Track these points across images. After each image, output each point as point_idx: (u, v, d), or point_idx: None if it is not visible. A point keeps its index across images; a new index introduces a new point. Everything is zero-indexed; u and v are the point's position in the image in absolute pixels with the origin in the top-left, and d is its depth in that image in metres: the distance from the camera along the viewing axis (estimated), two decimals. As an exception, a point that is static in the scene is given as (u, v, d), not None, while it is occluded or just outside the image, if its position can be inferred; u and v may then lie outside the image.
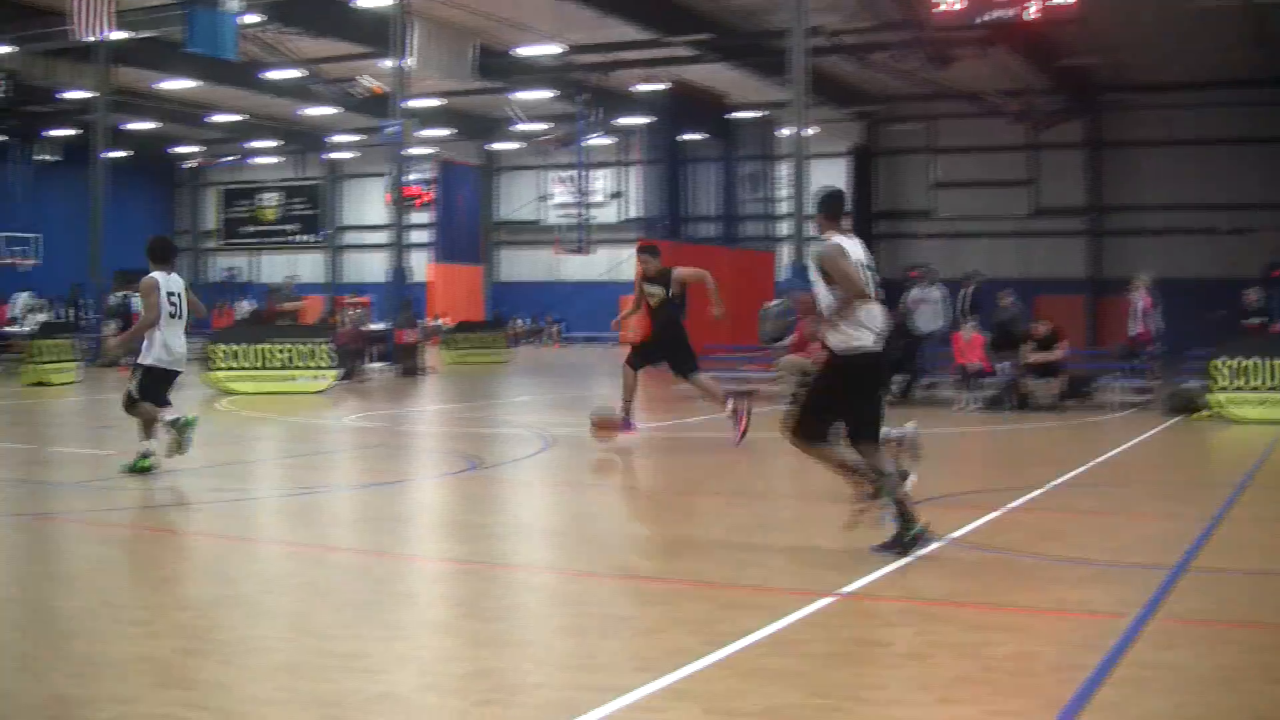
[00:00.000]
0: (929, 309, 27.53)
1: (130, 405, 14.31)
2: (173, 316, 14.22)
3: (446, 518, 12.61)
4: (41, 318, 38.74)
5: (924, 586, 9.06)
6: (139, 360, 14.24)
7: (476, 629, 7.96)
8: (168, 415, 14.12)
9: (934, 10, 32.58)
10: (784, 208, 41.51)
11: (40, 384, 28.78)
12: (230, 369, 27.61)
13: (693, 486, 14.66)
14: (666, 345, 18.13)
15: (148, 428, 14.28)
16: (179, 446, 13.94)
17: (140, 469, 14.06)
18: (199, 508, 12.78)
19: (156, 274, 14.14)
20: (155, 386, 14.29)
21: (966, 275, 28.55)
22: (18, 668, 7.06)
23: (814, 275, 10.15)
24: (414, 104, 44.05)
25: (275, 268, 69.80)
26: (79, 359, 31.76)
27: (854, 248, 10.08)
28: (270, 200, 72.77)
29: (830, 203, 10.40)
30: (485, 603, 8.70)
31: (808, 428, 10.28)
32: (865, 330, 9.95)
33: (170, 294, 14.18)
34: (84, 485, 14.03)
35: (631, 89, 49.16)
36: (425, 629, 8.03)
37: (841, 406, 10.20)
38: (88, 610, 8.37)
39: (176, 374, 14.56)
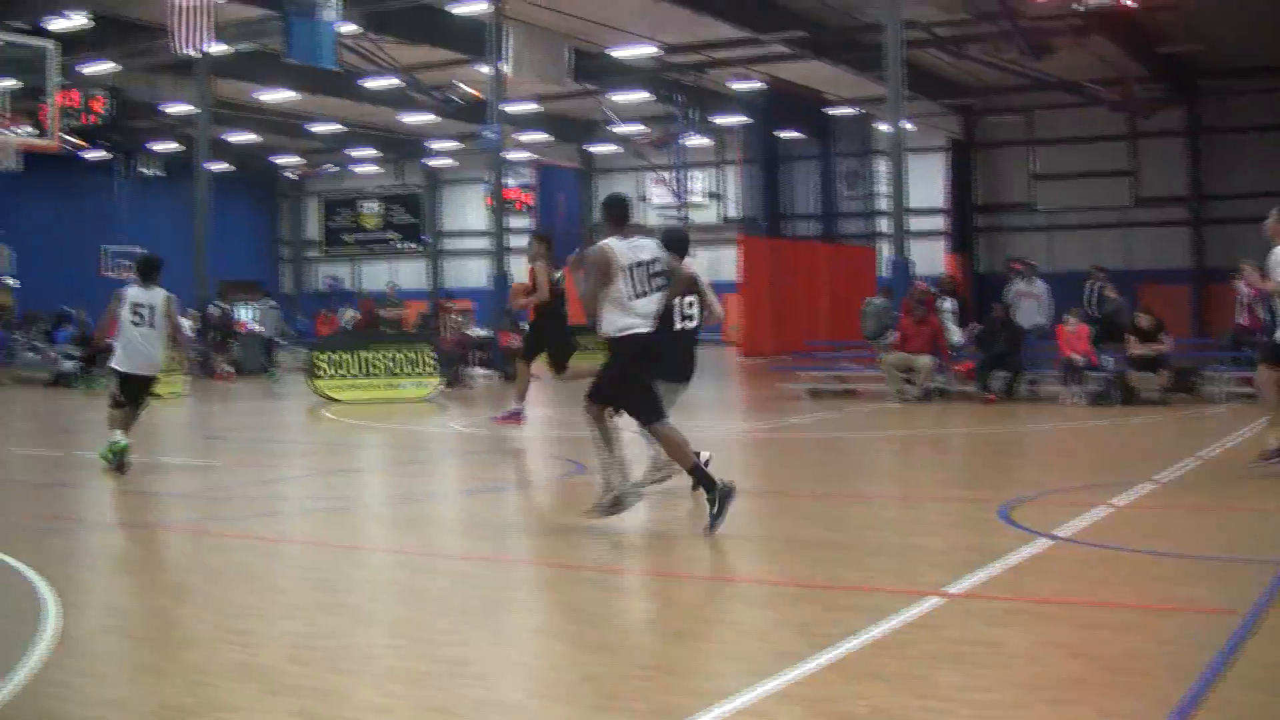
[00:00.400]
0: (1031, 303, 27.34)
1: (111, 404, 15.73)
2: (135, 325, 15.43)
3: (551, 522, 12.64)
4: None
5: (1032, 585, 8.99)
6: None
7: (583, 634, 7.96)
8: (115, 435, 15.41)
9: (1030, -1, 32.36)
10: (883, 204, 41.29)
11: (151, 395, 29.09)
12: (334, 377, 27.82)
13: (795, 486, 14.61)
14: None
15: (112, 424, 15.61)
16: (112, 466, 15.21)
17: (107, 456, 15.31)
18: (306, 515, 12.88)
19: (129, 289, 15.71)
20: (124, 390, 15.58)
21: (1088, 271, 28.24)
22: (130, 678, 7.16)
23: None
24: (511, 108, 44.27)
25: (377, 275, 70.24)
26: (185, 370, 32.07)
27: (625, 250, 11.28)
28: (371, 208, 73.20)
29: (611, 207, 11.95)
30: (592, 608, 8.71)
31: (604, 395, 11.57)
32: (636, 317, 11.19)
33: (137, 305, 15.45)
34: (191, 495, 14.20)
35: (727, 87, 49.12)
36: (532, 634, 8.06)
37: (629, 385, 11.41)
38: (197, 619, 8.46)
39: (143, 378, 15.75)
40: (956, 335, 26.31)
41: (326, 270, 75.15)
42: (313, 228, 76.07)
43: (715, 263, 60.39)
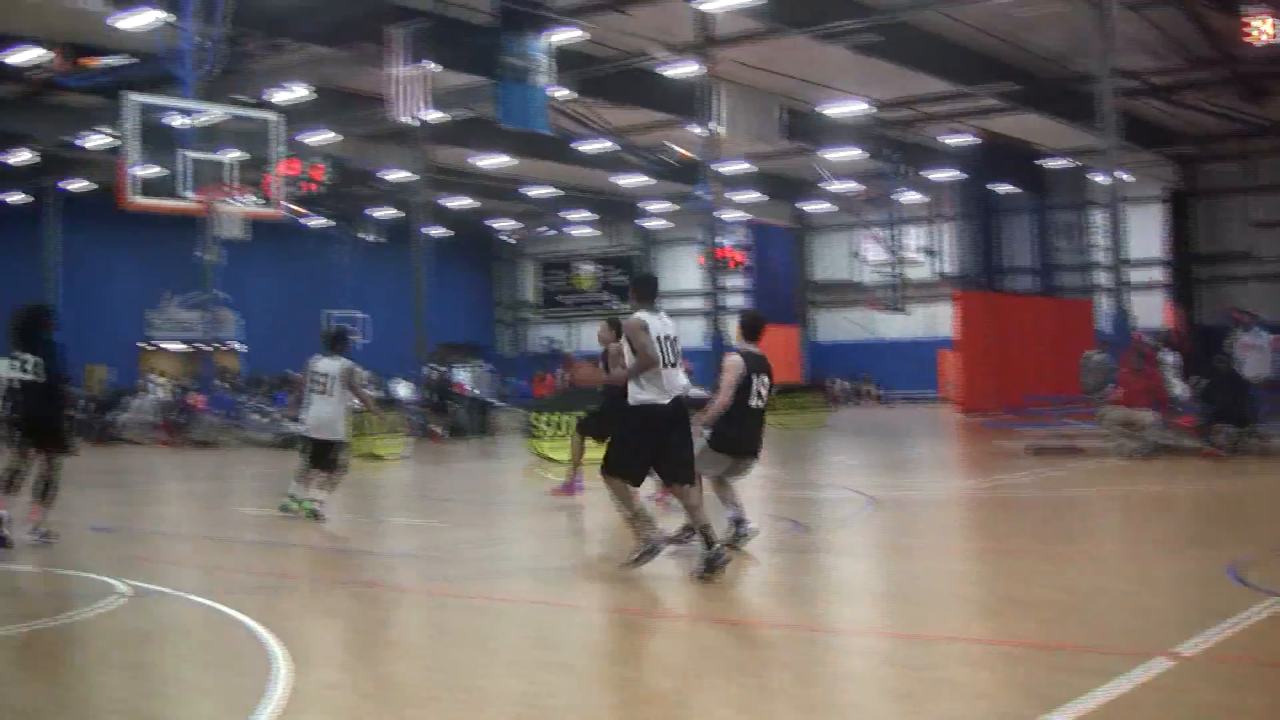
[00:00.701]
0: (1256, 355, 26.72)
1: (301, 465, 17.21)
2: (316, 393, 16.78)
3: (772, 582, 12.60)
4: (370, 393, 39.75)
5: (1267, 646, 8.75)
6: None
7: (810, 694, 7.92)
8: (307, 493, 16.97)
9: (1244, 41, 31.68)
10: (1100, 256, 40.68)
11: (371, 456, 29.59)
12: (552, 438, 28.03)
13: (1017, 544, 14.40)
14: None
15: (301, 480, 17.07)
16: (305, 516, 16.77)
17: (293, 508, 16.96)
18: (527, 575, 12.98)
19: (315, 358, 17.12)
20: (311, 453, 16.98)
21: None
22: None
23: (623, 342, 12.45)
24: (723, 168, 44.48)
25: (593, 336, 70.82)
26: (406, 432, 32.57)
27: (656, 323, 12.13)
28: (586, 269, 73.99)
29: (641, 284, 12.70)
30: (812, 668, 8.67)
31: (613, 465, 12.24)
32: (660, 390, 11.99)
33: (317, 374, 16.77)
34: (414, 555, 14.40)
35: (940, 142, 48.87)
36: (754, 693, 8.01)
37: (646, 452, 12.15)
38: (422, 677, 8.57)
39: (323, 442, 16.84)
40: (1179, 389, 25.76)
41: (543, 332, 75.98)
42: (529, 290, 77.05)
43: (930, 319, 60.13)
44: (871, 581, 12.40)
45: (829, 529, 15.88)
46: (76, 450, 15.82)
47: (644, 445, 12.15)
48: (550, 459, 27.39)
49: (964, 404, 42.54)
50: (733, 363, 13.23)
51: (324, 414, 16.81)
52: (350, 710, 7.79)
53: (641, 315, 12.20)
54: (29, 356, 14.81)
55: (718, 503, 13.59)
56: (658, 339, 12.02)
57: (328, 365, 16.85)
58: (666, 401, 12.02)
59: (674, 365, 12.17)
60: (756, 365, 13.23)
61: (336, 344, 17.08)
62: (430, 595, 11.88)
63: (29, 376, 14.78)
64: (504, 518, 19.06)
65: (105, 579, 12.30)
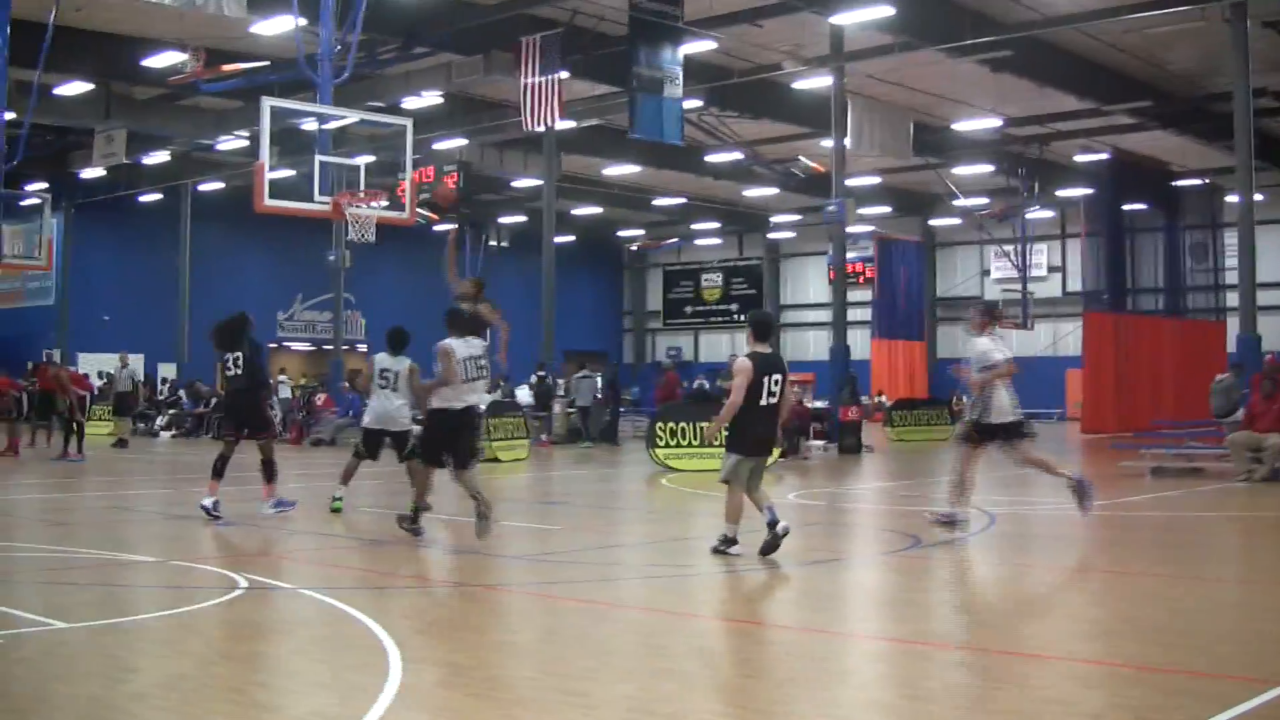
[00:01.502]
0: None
1: (353, 454, 18.61)
2: (381, 388, 17.70)
3: (886, 595, 12.58)
4: (490, 397, 39.97)
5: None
6: None
7: (917, 710, 7.91)
8: (338, 490, 18.32)
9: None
10: (1232, 277, 40.18)
11: (493, 460, 29.80)
12: (672, 446, 28.14)
13: (1134, 566, 14.26)
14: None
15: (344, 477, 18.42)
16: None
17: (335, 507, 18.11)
18: (639, 582, 13.04)
19: (378, 355, 18.39)
20: (365, 443, 18.18)
21: None
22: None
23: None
24: (852, 182, 44.38)
25: (717, 347, 70.92)
26: (530, 436, 32.75)
27: (462, 347, 15.18)
28: (712, 280, 74.04)
29: (454, 317, 16.01)
30: (925, 682, 8.65)
31: (426, 457, 15.64)
32: (454, 398, 15.04)
33: (384, 370, 17.66)
34: (530, 558, 14.51)
35: (1071, 159, 48.49)
36: (864, 708, 8.02)
37: (441, 444, 15.19)
38: (533, 679, 8.65)
39: (380, 432, 17.90)
40: (1310, 414, 25.36)
41: (667, 341, 76.10)
42: (654, 299, 77.19)
43: (1056, 336, 59.63)
44: (984, 598, 12.36)
45: (945, 544, 15.83)
46: (276, 432, 19.22)
47: (438, 439, 15.23)
48: (671, 467, 27.52)
49: (1088, 423, 42.14)
50: (742, 365, 13.74)
51: (387, 408, 17.69)
52: (459, 709, 7.88)
53: (449, 342, 15.19)
54: (235, 355, 17.69)
55: (752, 508, 13.72)
56: (463, 360, 15.07)
57: (392, 362, 17.67)
58: (459, 407, 15.05)
59: (476, 379, 15.28)
60: (766, 365, 13.72)
61: (402, 344, 17.85)
62: (544, 599, 11.98)
63: (234, 372, 17.74)
64: (621, 524, 19.15)
65: (224, 571, 12.53)
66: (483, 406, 16.49)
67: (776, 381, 13.73)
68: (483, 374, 15.46)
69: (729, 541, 13.77)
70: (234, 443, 17.79)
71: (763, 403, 13.63)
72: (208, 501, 17.10)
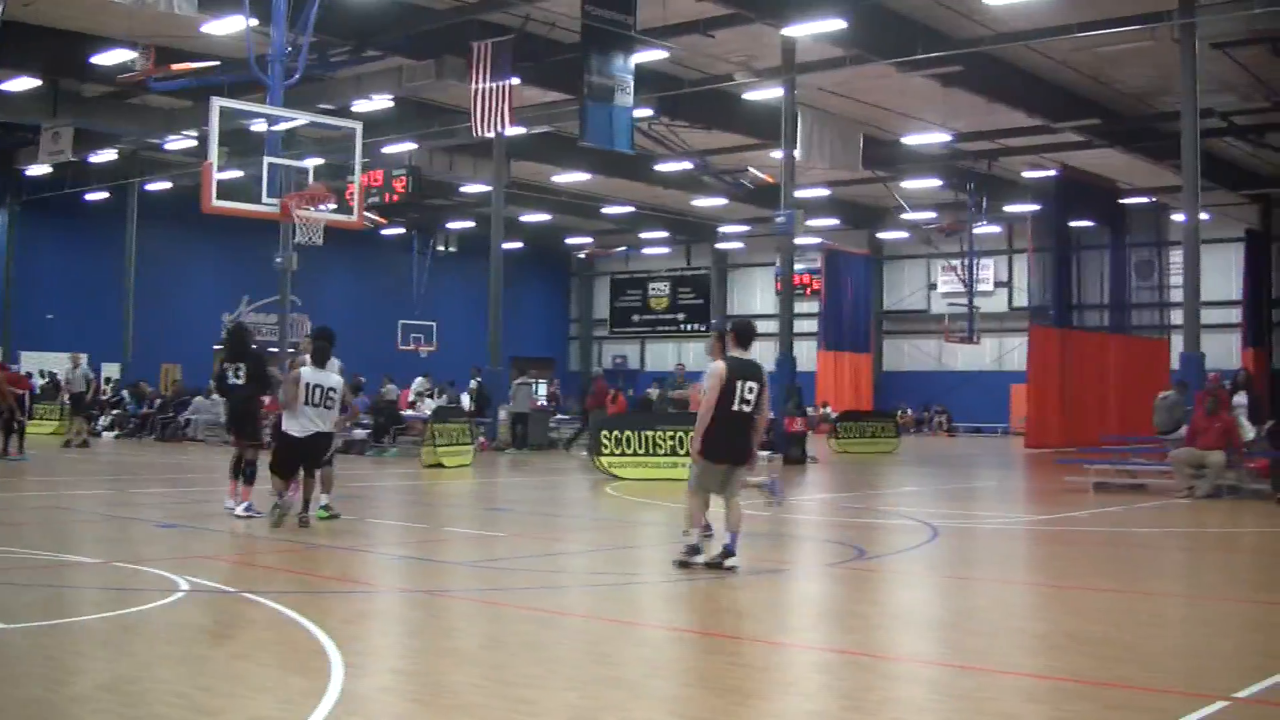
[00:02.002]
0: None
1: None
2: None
3: (830, 607, 12.61)
4: (434, 403, 39.98)
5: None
6: None
7: (856, 720, 7.95)
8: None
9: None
10: (1176, 295, 40.40)
11: (437, 465, 29.73)
12: (616, 454, 28.12)
13: (1077, 580, 14.32)
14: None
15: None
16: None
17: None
18: (585, 590, 13.03)
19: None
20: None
21: None
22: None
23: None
24: (802, 193, 44.48)
25: (663, 356, 71.04)
26: (473, 442, 32.70)
27: (310, 374, 16.66)
28: (659, 289, 74.10)
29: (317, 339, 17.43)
30: (869, 694, 8.65)
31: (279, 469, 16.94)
32: (299, 424, 16.68)
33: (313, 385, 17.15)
34: (475, 564, 14.49)
35: (1019, 175, 48.75)
36: (804, 717, 8.05)
37: (292, 462, 16.84)
38: (476, 685, 8.62)
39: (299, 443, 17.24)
40: (1250, 432, 25.54)
41: (614, 349, 76.13)
42: (602, 307, 77.24)
43: (1001, 351, 60.00)
44: (929, 610, 12.38)
45: (890, 556, 15.87)
46: (264, 441, 18.99)
47: (289, 458, 16.79)
48: (615, 475, 27.52)
49: (1032, 438, 42.34)
50: (715, 369, 13.55)
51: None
52: (402, 714, 7.88)
53: (303, 370, 16.67)
54: (237, 365, 18.53)
55: (714, 523, 13.80)
56: (306, 385, 16.55)
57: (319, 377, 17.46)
58: (300, 435, 16.68)
59: (319, 406, 16.66)
60: (741, 370, 13.53)
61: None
62: (489, 605, 11.96)
63: (238, 381, 18.46)
64: (565, 531, 19.12)
65: (166, 574, 12.47)
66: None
67: (751, 389, 13.50)
68: (326, 402, 16.77)
69: (693, 550, 13.67)
70: (248, 446, 18.40)
71: (734, 408, 13.41)
72: (237, 506, 17.94)
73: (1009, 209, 53.66)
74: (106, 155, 48.52)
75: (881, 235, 65.08)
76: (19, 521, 18.46)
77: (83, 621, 10.51)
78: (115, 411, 45.21)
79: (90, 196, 55.29)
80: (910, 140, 44.06)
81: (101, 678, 8.58)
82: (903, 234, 63.35)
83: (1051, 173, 45.74)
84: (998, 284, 63.44)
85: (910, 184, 51.68)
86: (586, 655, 9.85)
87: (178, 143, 45.23)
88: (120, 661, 9.10)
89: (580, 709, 8.00)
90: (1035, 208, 48.05)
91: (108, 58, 35.17)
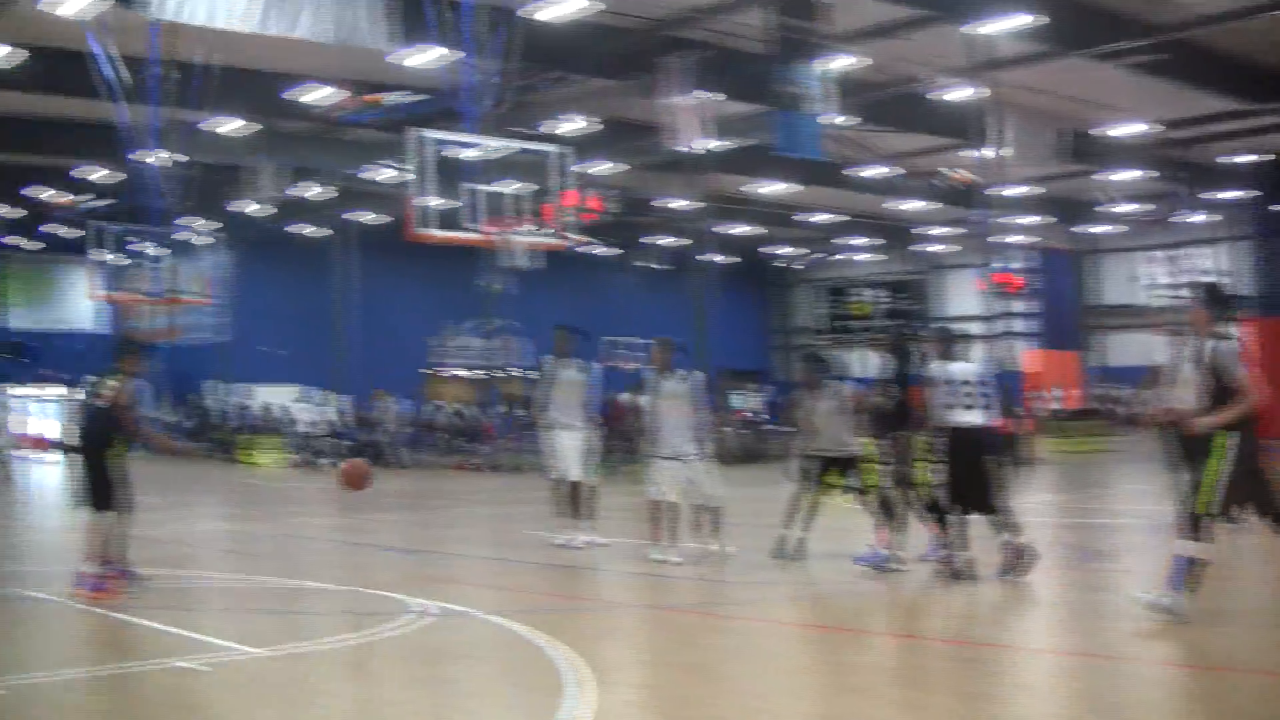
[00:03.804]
0: None
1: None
2: None
3: (1061, 609, 12.51)
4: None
5: None
6: None
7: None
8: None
9: None
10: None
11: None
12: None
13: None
14: None
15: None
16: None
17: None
18: (819, 601, 13.05)
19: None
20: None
21: None
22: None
23: None
24: (1004, 192, 43.98)
25: (874, 361, 70.61)
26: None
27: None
28: (866, 295, 73.72)
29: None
30: (1109, 696, 8.60)
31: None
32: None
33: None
34: (706, 580, 14.46)
35: (1227, 162, 47.75)
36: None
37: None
38: (718, 697, 8.72)
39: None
40: None
41: (825, 358, 75.77)
42: (808, 315, 76.99)
43: (1216, 342, 58.62)
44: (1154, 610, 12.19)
45: (1120, 556, 15.70)
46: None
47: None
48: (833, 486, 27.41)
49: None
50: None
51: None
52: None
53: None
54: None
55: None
56: None
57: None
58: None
59: None
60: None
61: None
62: (725, 619, 12.07)
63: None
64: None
65: (402, 597, 12.73)
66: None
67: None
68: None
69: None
70: None
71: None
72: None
73: (1217, 197, 52.60)
74: (316, 190, 49.52)
75: (1086, 229, 64.08)
76: (258, 552, 18.95)
77: (328, 645, 10.82)
78: (335, 440, 46.10)
79: (302, 231, 56.54)
80: (1111, 132, 43.37)
81: (348, 700, 8.87)
82: (1108, 227, 62.33)
83: (1261, 157, 44.72)
84: (1209, 273, 62.15)
85: (1113, 176, 50.82)
86: (822, 665, 9.93)
87: (383, 173, 46.02)
88: (366, 684, 9.37)
89: (824, 718, 8.09)
90: (1245, 194, 47.03)
91: (313, 95, 35.94)
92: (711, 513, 15.54)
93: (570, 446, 16.98)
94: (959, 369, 13.62)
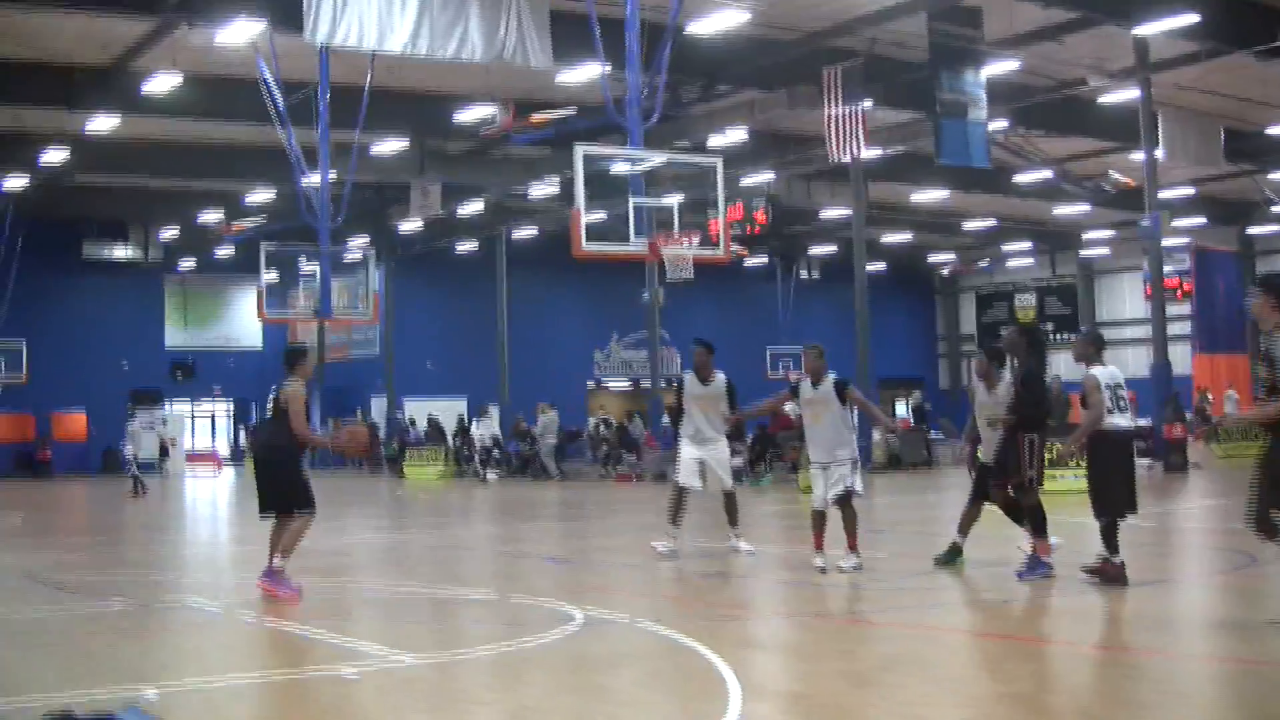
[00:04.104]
0: None
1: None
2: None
3: (1223, 616, 12.38)
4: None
5: None
6: None
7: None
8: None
9: None
10: None
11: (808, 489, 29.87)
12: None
13: None
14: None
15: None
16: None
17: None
18: (969, 607, 13.03)
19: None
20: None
21: None
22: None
23: None
24: (1165, 194, 43.39)
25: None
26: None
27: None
28: (1026, 301, 73.01)
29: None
30: (1268, 705, 8.54)
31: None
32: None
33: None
34: (858, 586, 14.48)
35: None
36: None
37: None
38: (873, 705, 8.75)
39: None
40: None
41: (1005, 367, 75.03)
42: (968, 323, 76.41)
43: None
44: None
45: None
46: None
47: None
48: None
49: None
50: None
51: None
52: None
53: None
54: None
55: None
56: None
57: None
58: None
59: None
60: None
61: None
62: (878, 626, 12.09)
63: None
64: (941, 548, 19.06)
65: (562, 606, 12.89)
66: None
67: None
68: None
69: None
70: None
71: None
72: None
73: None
74: (473, 207, 50.05)
75: (1252, 230, 62.95)
76: (414, 560, 19.22)
77: (485, 653, 10.95)
78: (496, 453, 46.54)
79: (459, 248, 57.27)
80: (1275, 130, 42.67)
81: (508, 707, 8.99)
82: (1274, 228, 61.19)
83: None
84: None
85: (1278, 175, 49.97)
86: (977, 672, 9.92)
87: (540, 189, 46.44)
88: (522, 691, 9.51)
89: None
90: None
91: (469, 115, 36.34)
92: (848, 518, 15.32)
93: (706, 457, 17.21)
94: (1106, 372, 13.49)
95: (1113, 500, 13.24)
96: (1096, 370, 13.48)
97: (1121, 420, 13.35)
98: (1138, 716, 8.23)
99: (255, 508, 13.90)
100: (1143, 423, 35.49)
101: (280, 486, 14.00)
